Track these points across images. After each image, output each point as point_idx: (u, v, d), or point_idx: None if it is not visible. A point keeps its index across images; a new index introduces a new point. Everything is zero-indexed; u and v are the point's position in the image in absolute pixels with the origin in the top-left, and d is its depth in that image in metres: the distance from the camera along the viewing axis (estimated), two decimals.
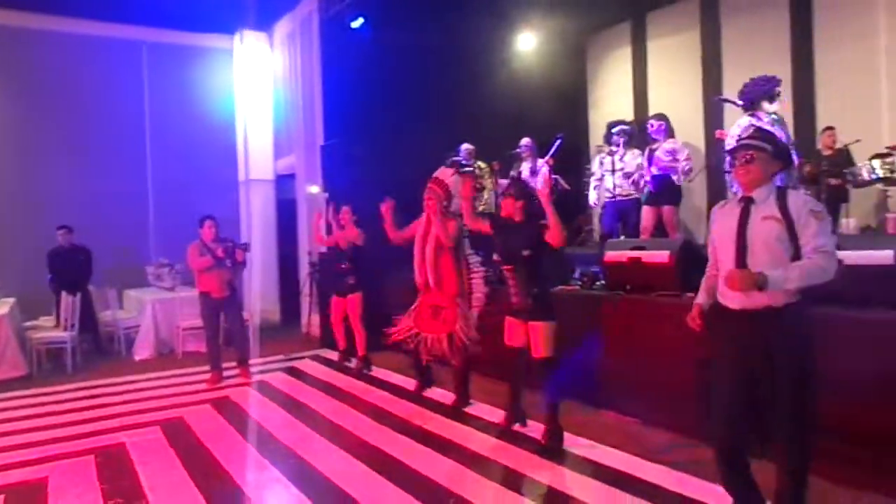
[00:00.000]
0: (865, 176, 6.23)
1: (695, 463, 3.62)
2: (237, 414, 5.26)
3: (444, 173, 5.04)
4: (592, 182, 7.43)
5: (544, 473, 3.73)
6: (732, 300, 2.65)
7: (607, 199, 7.11)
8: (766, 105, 5.30)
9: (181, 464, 4.14)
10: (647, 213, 6.65)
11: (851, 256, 3.61)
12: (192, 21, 9.88)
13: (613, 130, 7.15)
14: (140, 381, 6.54)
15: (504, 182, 6.82)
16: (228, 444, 4.51)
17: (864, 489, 3.18)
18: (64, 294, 7.20)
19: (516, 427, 4.43)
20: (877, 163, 6.16)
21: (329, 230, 6.93)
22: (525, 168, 7.61)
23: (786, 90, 8.27)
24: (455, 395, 5.11)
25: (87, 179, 9.14)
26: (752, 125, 4.77)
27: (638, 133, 7.36)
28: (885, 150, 6.20)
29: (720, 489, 2.89)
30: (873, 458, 3.19)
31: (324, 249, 8.19)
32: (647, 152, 6.81)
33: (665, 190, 6.55)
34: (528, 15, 9.42)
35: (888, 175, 6.14)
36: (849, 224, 6.44)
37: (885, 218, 6.44)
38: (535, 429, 4.31)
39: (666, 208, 6.54)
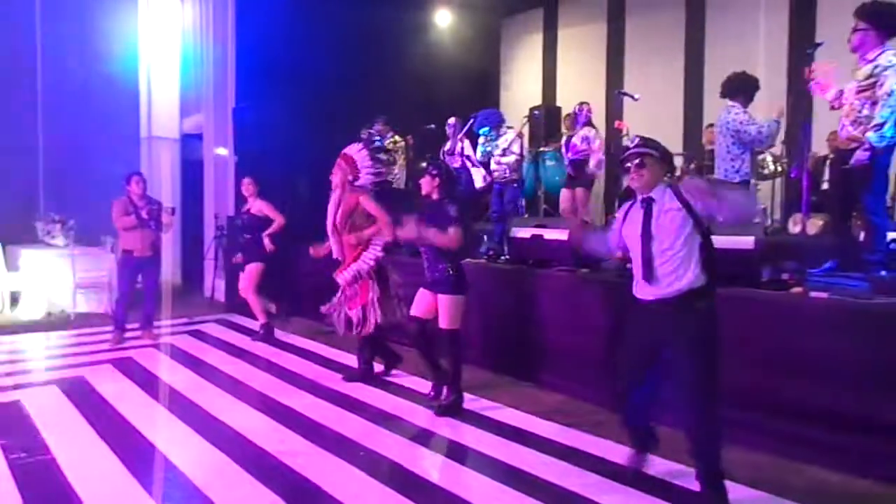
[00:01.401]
0: None
1: (587, 422, 4.04)
2: (142, 373, 5.22)
3: (352, 148, 5.12)
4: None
5: (447, 430, 4.04)
6: (644, 293, 3.01)
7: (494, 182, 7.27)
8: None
9: (85, 420, 4.11)
10: (564, 195, 7.05)
11: (720, 241, 4.11)
12: None
13: (481, 131, 7.24)
14: (32, 340, 6.27)
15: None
16: (134, 402, 4.49)
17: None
18: None
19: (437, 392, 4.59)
20: None
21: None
22: (450, 147, 7.80)
23: (678, 87, 9.01)
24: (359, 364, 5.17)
25: None
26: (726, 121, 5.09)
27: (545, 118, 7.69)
28: (756, 149, 6.91)
29: (608, 442, 3.32)
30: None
31: (231, 213, 8.10)
32: (564, 138, 7.19)
33: (579, 174, 6.96)
34: None
35: (758, 171, 6.87)
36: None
37: None
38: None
39: (579, 190, 6.94)
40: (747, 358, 3.65)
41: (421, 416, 4.26)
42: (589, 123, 6.85)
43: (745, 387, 3.64)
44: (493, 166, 7.05)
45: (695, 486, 2.95)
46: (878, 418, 3.19)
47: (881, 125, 4.08)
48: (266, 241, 6.43)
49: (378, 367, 5.19)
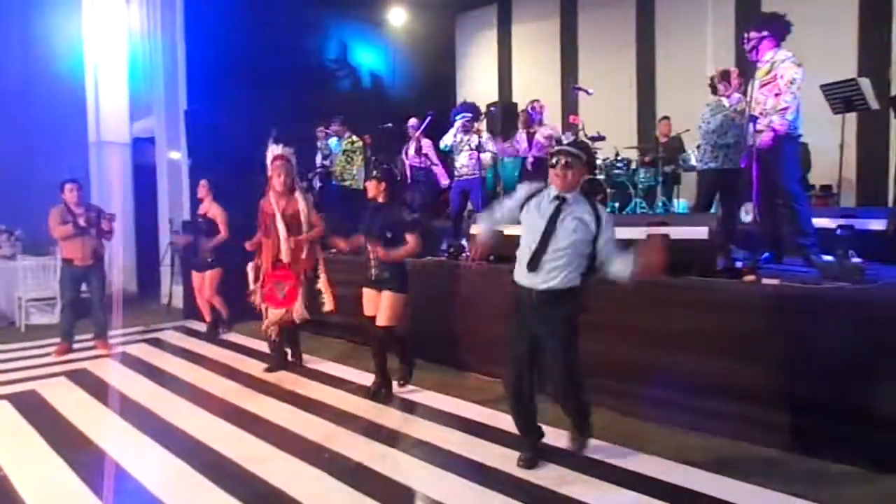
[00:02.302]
0: (693, 161, 7.08)
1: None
2: (96, 384, 5.06)
3: (283, 150, 5.11)
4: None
5: (412, 427, 4.03)
6: (523, 280, 3.17)
7: (455, 179, 7.22)
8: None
9: (38, 434, 3.97)
10: None
11: (676, 231, 4.22)
12: None
13: (457, 117, 7.14)
14: None
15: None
16: (89, 414, 4.36)
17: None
18: None
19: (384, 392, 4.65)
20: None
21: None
22: (412, 147, 7.75)
23: (631, 80, 9.16)
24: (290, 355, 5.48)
25: None
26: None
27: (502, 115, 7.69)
28: None
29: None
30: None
31: (187, 218, 7.92)
32: (525, 134, 7.22)
33: (543, 170, 6.98)
34: None
35: None
36: (678, 204, 7.32)
37: None
38: (405, 391, 4.70)
39: None
40: (704, 347, 3.75)
41: (384, 415, 4.24)
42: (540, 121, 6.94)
43: (703, 374, 3.74)
44: (462, 162, 6.98)
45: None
46: (844, 403, 3.29)
47: (784, 109, 4.40)
48: (207, 251, 6.42)
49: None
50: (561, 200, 3.12)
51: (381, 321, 4.41)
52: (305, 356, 5.59)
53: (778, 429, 3.47)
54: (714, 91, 5.32)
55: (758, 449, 3.49)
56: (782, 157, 4.49)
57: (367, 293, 4.53)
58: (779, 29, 4.56)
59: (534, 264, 3.09)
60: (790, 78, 4.41)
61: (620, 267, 3.06)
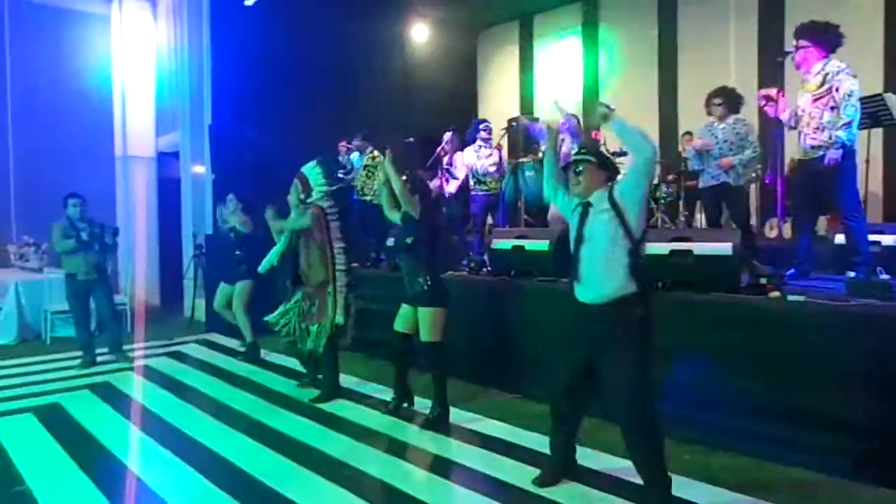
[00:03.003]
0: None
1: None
2: (119, 398, 5.11)
3: (308, 165, 5.10)
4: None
5: (431, 444, 4.00)
6: (583, 295, 3.05)
7: (480, 192, 7.14)
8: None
9: (61, 448, 4.01)
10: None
11: (700, 247, 4.17)
12: None
13: (481, 126, 7.19)
14: (5, 366, 6.13)
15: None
16: (113, 428, 4.39)
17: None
18: None
19: (405, 406, 4.64)
20: None
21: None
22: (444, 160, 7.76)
23: (653, 96, 9.11)
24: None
25: None
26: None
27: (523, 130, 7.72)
28: None
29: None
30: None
31: (209, 232, 8.01)
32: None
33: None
34: (422, 6, 9.65)
35: None
36: (701, 219, 7.23)
37: None
38: (423, 406, 4.57)
39: None
40: (731, 363, 3.69)
41: (402, 431, 4.22)
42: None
43: (728, 391, 3.67)
44: (479, 178, 6.99)
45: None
46: (873, 423, 3.20)
47: (849, 123, 4.32)
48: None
49: None
50: (586, 205, 3.08)
51: (425, 337, 4.30)
52: None
53: (806, 449, 3.38)
54: (710, 112, 5.29)
55: (786, 469, 3.40)
56: (844, 172, 4.42)
57: (404, 308, 4.48)
58: (828, 40, 4.44)
59: (576, 275, 3.03)
60: (847, 90, 4.31)
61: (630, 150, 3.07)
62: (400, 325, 4.48)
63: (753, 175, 6.80)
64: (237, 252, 6.44)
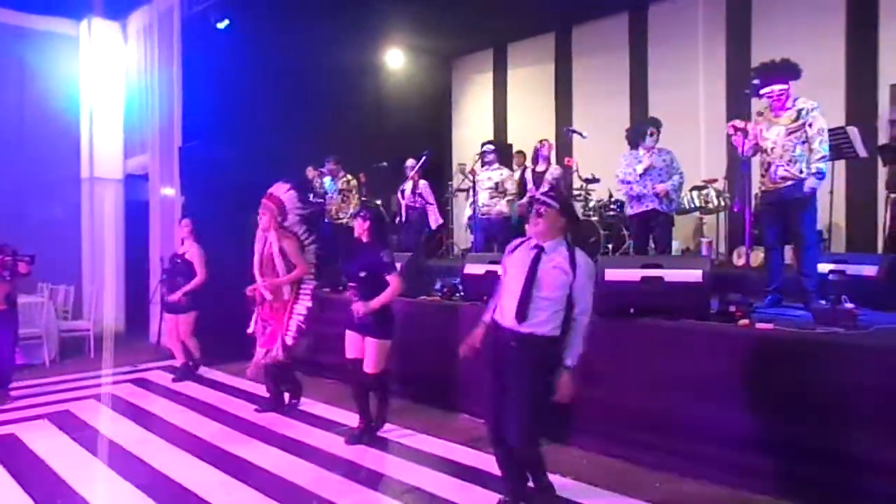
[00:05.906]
0: (685, 205, 7.13)
1: None
2: (80, 427, 4.92)
3: (279, 188, 5.11)
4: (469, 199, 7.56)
5: (402, 471, 3.92)
6: (504, 321, 3.11)
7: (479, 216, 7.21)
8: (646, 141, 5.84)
9: (15, 482, 3.83)
10: None
11: (670, 274, 4.21)
12: (31, 1, 9.07)
13: (485, 148, 7.30)
14: None
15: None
16: (71, 459, 4.23)
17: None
18: None
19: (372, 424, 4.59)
20: (695, 194, 7.10)
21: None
22: (408, 187, 7.80)
23: (624, 124, 9.27)
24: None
25: None
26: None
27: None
28: (701, 184, 7.18)
29: None
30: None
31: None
32: (530, 173, 7.32)
33: None
34: (397, 32, 9.73)
35: (703, 205, 7.12)
36: (672, 247, 7.33)
37: (700, 241, 7.45)
38: (389, 430, 4.61)
39: None
40: (699, 389, 3.71)
41: (373, 458, 4.14)
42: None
43: (698, 418, 3.69)
44: (483, 200, 7.05)
45: None
46: (839, 450, 3.24)
47: (824, 157, 4.60)
48: (177, 294, 6.28)
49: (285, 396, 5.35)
50: (539, 249, 3.10)
51: (368, 368, 4.36)
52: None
53: (773, 476, 3.40)
54: (633, 146, 5.81)
55: (753, 497, 3.40)
56: (813, 202, 4.69)
57: (350, 336, 4.48)
58: (797, 75, 4.73)
59: (521, 314, 3.04)
60: (820, 126, 4.60)
61: (572, 337, 3.07)
62: (351, 351, 4.49)
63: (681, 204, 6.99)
64: (179, 279, 6.34)
